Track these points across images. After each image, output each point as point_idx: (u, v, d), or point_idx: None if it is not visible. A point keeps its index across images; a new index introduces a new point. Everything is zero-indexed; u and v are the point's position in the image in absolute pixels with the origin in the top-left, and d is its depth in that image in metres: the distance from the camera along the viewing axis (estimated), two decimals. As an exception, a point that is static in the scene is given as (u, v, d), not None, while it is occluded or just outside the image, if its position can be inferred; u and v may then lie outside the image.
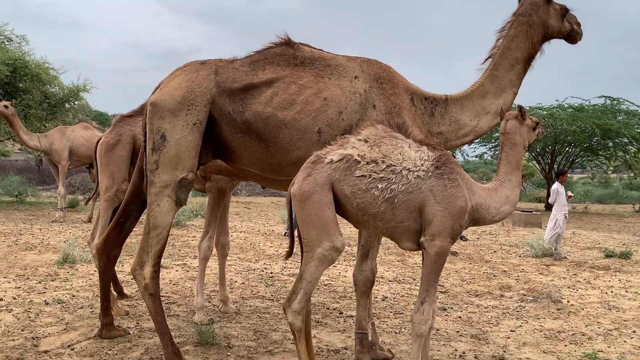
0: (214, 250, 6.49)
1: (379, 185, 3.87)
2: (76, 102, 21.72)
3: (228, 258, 9.61)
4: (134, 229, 5.58)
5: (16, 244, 10.33)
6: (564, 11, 5.07)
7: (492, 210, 4.19)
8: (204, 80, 4.66)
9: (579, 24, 5.14)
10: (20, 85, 18.42)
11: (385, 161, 3.93)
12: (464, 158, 37.37)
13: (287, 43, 4.88)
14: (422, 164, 4.02)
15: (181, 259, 9.61)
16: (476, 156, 35.33)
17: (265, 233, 13.60)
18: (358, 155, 3.92)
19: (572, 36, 5.16)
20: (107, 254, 5.37)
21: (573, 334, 6.15)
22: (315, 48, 4.98)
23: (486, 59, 5.16)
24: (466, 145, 29.66)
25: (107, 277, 5.47)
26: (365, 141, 4.02)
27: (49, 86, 19.87)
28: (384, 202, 3.90)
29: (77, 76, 41.54)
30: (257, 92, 4.64)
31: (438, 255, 4.03)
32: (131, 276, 6.18)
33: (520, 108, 4.36)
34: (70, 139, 15.31)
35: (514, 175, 4.32)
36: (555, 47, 5.34)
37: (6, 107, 14.05)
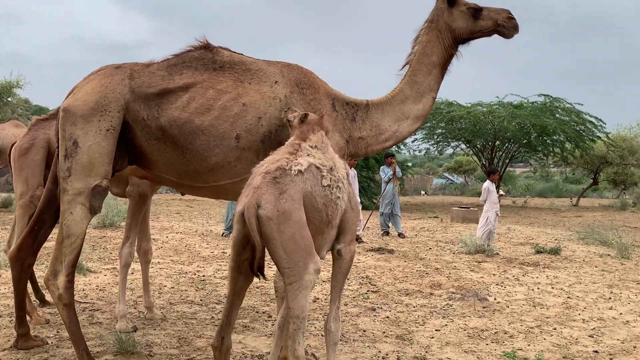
0: (137, 255, 6.39)
1: (339, 195, 3.73)
2: (9, 99, 21.01)
3: (160, 261, 9.56)
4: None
5: (-62, 249, 9.94)
6: (473, 11, 5.06)
7: None
8: (117, 85, 4.60)
9: (509, 18, 5.02)
10: (-52, 80, 17.77)
11: (336, 169, 3.80)
12: (411, 153, 37.94)
13: (206, 47, 4.85)
14: (345, 172, 4.00)
15: (111, 262, 9.41)
16: (421, 151, 35.86)
17: (203, 233, 13.48)
18: (319, 163, 3.70)
19: (501, 32, 5.09)
20: (21, 263, 5.19)
21: (495, 333, 6.29)
22: (235, 52, 4.96)
23: (404, 65, 5.24)
24: (409, 141, 30.20)
25: (22, 286, 5.30)
26: (317, 147, 3.85)
27: (-21, 82, 19.21)
28: (342, 212, 3.80)
29: (10, 72, 40.36)
30: (173, 97, 4.60)
31: (352, 259, 4.06)
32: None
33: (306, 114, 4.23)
34: (0, 138, 14.80)
35: None
36: (495, 44, 5.41)
37: None
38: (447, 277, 9.25)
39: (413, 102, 5.19)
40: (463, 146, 32.48)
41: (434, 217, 20.32)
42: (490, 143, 29.93)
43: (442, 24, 5.10)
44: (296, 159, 3.61)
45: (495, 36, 5.21)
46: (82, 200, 4.53)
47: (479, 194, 37.22)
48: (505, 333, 6.29)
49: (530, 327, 6.52)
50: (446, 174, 60.25)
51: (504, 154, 30.75)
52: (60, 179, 4.60)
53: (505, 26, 5.07)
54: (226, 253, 10.73)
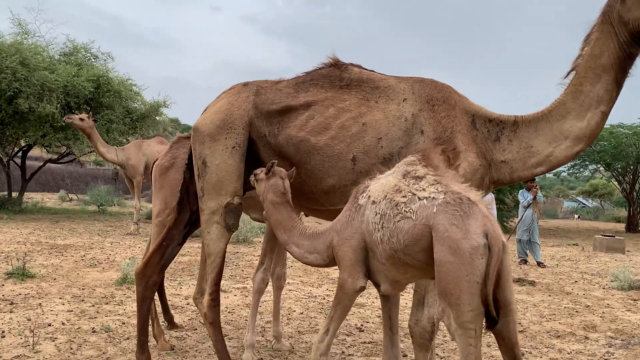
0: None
1: None
2: (157, 117, 21.73)
3: (290, 282, 9.04)
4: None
5: (83, 260, 10.07)
6: None
7: None
8: (243, 102, 4.38)
9: None
10: (104, 100, 18.51)
11: None
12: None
13: (335, 64, 4.43)
14: None
15: (242, 281, 9.01)
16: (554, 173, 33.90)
17: (332, 253, 12.89)
18: None
19: None
20: (146, 280, 4.86)
21: (675, 394, 5.12)
22: (366, 69, 4.44)
23: (569, 72, 4.11)
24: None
25: (146, 307, 4.90)
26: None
27: (131, 102, 19.95)
28: None
29: (158, 93, 42.81)
30: (294, 115, 4.28)
31: None
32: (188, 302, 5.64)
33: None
34: (145, 154, 15.13)
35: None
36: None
37: (82, 119, 13.85)
38: (600, 317, 7.99)
39: (575, 118, 4.05)
40: (602, 169, 29.97)
41: (574, 244, 18.55)
42: (632, 167, 27.34)
43: (615, 16, 3.86)
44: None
45: None
46: (217, 219, 4.40)
47: (616, 220, 34.54)
48: (687, 395, 5.10)
49: None
50: (579, 198, 56.54)
51: (647, 179, 27.99)
52: (199, 199, 4.50)
53: None
54: (356, 276, 10.06)
